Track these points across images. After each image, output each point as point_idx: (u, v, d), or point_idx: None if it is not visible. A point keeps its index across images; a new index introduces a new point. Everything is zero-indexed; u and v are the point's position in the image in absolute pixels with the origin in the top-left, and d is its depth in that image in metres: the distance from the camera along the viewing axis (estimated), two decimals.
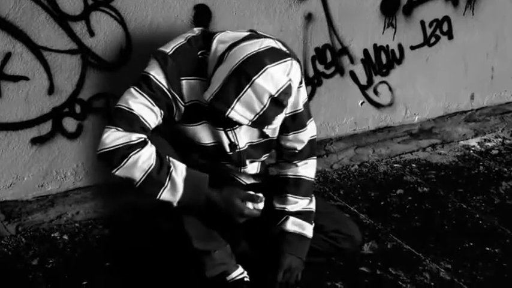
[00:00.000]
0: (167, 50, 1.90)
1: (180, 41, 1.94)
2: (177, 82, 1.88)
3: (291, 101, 1.87)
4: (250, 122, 1.77)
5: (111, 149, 1.78)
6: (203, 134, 2.01)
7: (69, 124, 2.47)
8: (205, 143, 2.03)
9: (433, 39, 3.34)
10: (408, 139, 3.51)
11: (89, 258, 2.40)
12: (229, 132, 2.02)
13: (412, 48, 3.29)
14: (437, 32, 3.35)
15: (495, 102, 3.82)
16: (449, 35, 3.39)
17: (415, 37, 3.28)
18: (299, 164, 2.18)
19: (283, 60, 1.77)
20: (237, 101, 1.73)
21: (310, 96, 3.02)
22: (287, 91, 1.76)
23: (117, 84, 2.37)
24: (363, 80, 3.19)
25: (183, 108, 1.92)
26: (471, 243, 2.59)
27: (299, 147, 2.16)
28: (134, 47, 2.46)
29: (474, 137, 3.76)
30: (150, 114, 1.85)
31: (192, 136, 2.01)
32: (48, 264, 2.35)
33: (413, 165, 3.36)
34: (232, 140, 2.03)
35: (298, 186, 2.18)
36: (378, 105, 3.31)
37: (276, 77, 1.73)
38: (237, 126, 1.99)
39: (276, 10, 2.75)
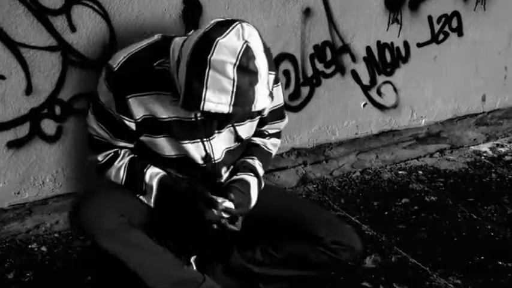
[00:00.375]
0: (114, 66, 1.93)
1: (130, 51, 1.95)
2: (124, 101, 1.92)
3: (260, 66, 1.77)
4: (231, 108, 1.74)
5: (96, 168, 2.13)
6: (163, 146, 2.04)
7: (48, 126, 2.46)
8: (168, 154, 2.05)
9: (441, 36, 3.36)
10: (414, 144, 3.52)
11: (69, 271, 2.40)
12: (205, 143, 2.03)
13: (419, 45, 3.30)
14: (446, 29, 3.36)
15: (508, 104, 3.83)
16: (459, 31, 3.41)
17: (422, 34, 3.29)
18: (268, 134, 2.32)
19: (231, 27, 1.74)
20: (205, 88, 1.71)
21: (309, 97, 3.03)
22: (248, 53, 1.73)
23: None
24: (366, 79, 3.19)
25: (133, 124, 1.97)
26: (482, 257, 2.58)
27: (272, 131, 2.30)
28: (119, 44, 2.45)
29: (486, 142, 3.77)
30: (113, 135, 2.04)
31: (153, 147, 2.05)
32: (24, 277, 2.34)
33: (420, 172, 3.36)
34: (208, 151, 2.05)
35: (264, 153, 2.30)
36: (381, 107, 3.32)
37: (229, 45, 1.70)
38: (214, 135, 2.03)
39: (271, 4, 2.76)
